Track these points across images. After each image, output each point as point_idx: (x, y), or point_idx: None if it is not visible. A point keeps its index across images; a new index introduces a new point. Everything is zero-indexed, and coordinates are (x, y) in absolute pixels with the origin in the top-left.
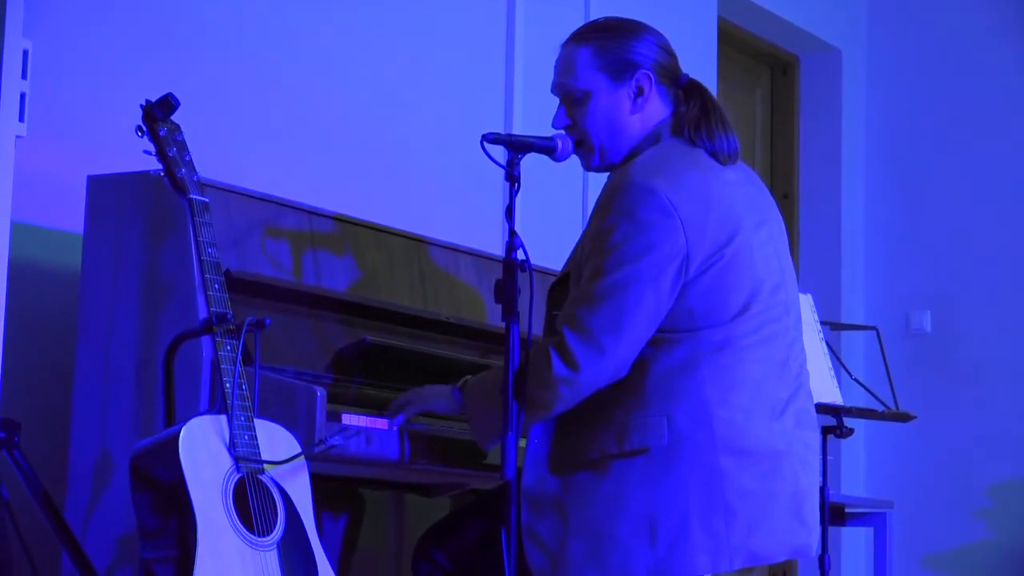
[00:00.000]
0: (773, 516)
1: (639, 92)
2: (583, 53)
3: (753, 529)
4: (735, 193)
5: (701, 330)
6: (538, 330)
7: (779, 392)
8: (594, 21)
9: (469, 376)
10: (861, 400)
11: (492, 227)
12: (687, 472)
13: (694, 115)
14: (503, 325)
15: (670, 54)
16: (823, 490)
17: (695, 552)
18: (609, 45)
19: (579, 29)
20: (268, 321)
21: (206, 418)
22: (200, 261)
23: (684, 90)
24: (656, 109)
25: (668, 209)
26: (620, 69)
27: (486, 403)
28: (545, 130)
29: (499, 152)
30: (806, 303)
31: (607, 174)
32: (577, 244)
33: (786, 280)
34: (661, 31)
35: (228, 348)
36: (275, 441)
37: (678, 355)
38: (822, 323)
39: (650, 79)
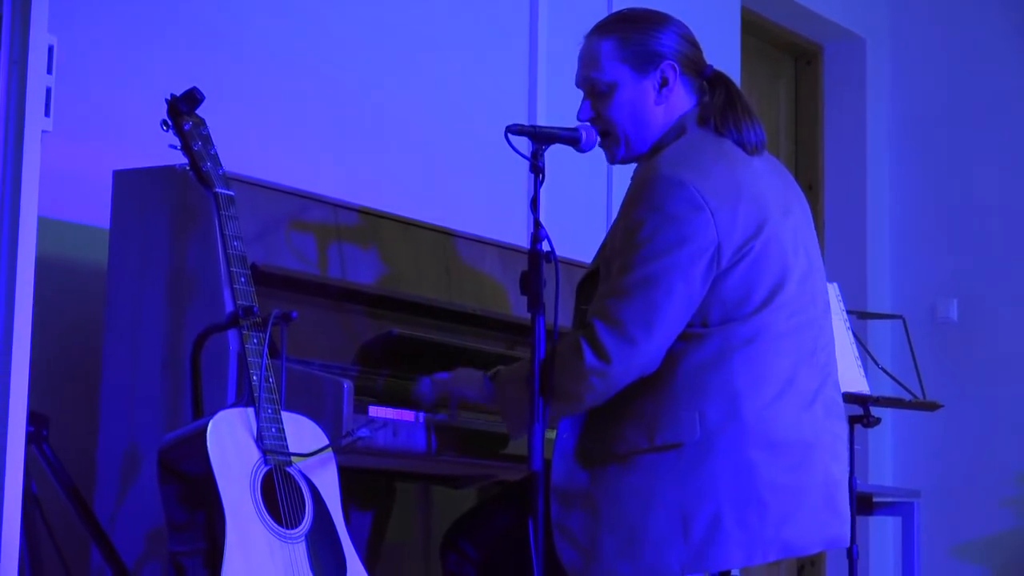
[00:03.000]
0: (805, 507)
1: (664, 83)
2: (607, 45)
3: (786, 521)
4: (763, 182)
5: (732, 323)
6: (564, 322)
7: (808, 383)
8: (618, 12)
9: (501, 366)
10: (888, 389)
11: (517, 219)
12: (719, 466)
13: (719, 106)
14: (529, 317)
15: (694, 45)
16: (851, 480)
17: (729, 545)
18: (633, 36)
19: (602, 21)
20: (295, 314)
21: (234, 411)
22: (226, 255)
23: (709, 81)
24: (681, 100)
25: (698, 202)
26: (644, 60)
27: (517, 393)
28: (569, 121)
29: (524, 143)
30: (832, 292)
31: (633, 165)
32: (605, 239)
33: (813, 269)
34: (684, 21)
35: (255, 341)
36: (302, 434)
37: (709, 349)
38: (848, 312)
39: (675, 70)
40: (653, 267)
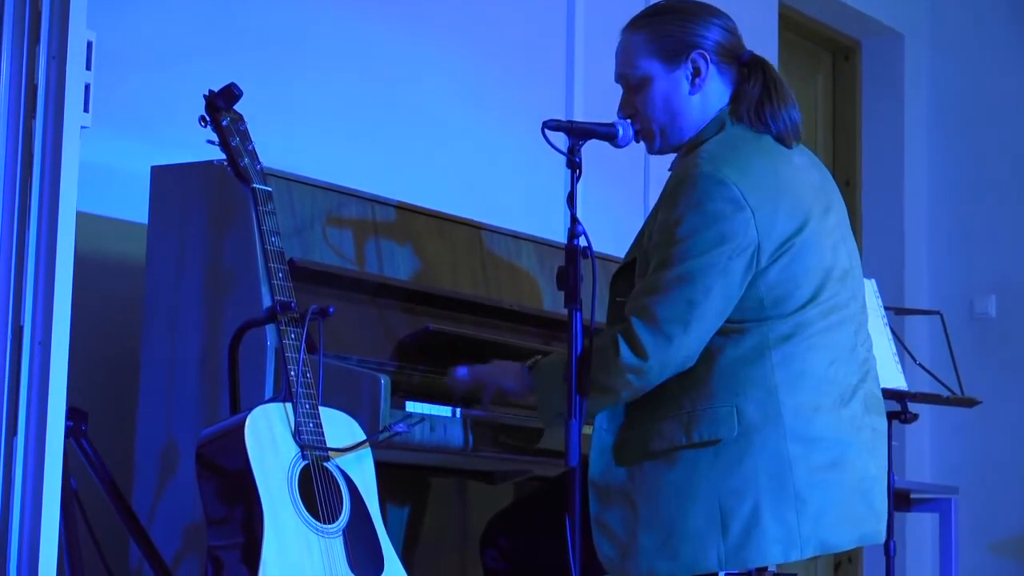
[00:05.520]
0: (843, 504)
1: (696, 73)
2: (638, 39)
3: (823, 517)
4: (803, 179)
5: (770, 320)
6: (601, 317)
7: (847, 378)
8: (652, 5)
9: (540, 356)
10: (926, 385)
11: (554, 214)
12: (757, 462)
13: (755, 96)
14: (565, 312)
15: (730, 32)
16: (888, 476)
17: (767, 542)
18: (664, 29)
19: (637, 15)
20: (332, 309)
21: (271, 406)
22: (264, 250)
23: (747, 66)
24: (716, 90)
25: (739, 200)
26: (674, 52)
27: (555, 383)
28: (606, 116)
29: (560, 139)
30: (870, 288)
31: (671, 158)
32: (641, 231)
33: (853, 266)
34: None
35: (292, 336)
36: (339, 428)
37: (747, 345)
38: (886, 308)
39: (706, 59)
40: (691, 265)
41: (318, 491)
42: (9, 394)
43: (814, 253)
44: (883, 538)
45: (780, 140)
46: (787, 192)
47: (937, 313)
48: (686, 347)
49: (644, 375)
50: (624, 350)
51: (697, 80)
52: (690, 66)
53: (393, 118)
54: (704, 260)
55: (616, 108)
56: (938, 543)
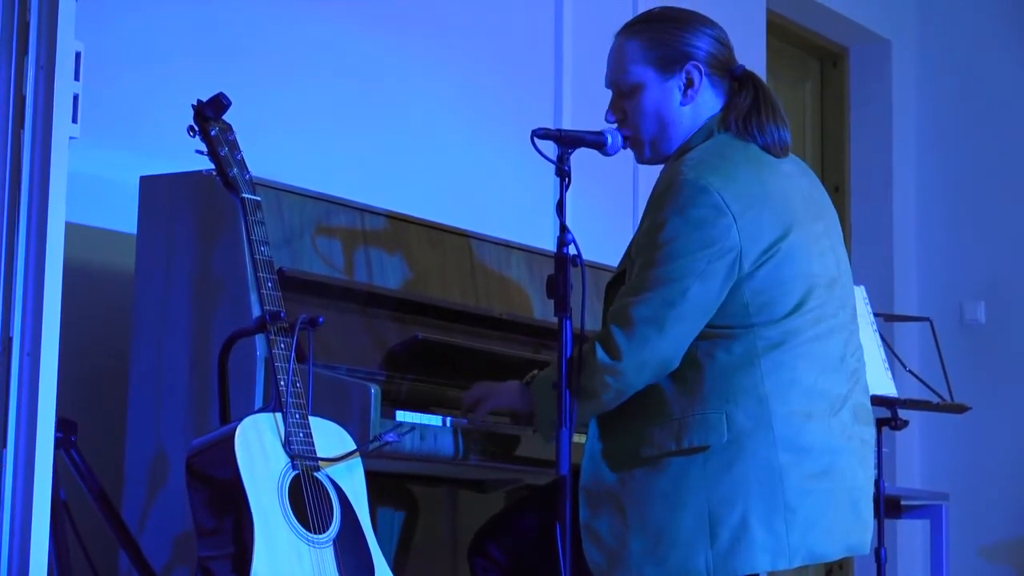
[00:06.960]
0: (831, 513)
1: (689, 84)
2: (632, 46)
3: (812, 527)
4: (791, 186)
5: (757, 326)
6: (592, 325)
7: (837, 388)
8: (646, 12)
9: (536, 371)
10: (915, 392)
11: (543, 223)
12: (747, 470)
13: (745, 108)
14: (555, 320)
15: (723, 44)
16: (878, 483)
17: (756, 550)
18: (659, 37)
19: (630, 21)
20: (321, 319)
21: (261, 416)
22: (253, 259)
23: (739, 80)
24: (707, 101)
25: (721, 206)
26: (669, 61)
27: (552, 396)
28: (595, 125)
29: (549, 147)
30: (859, 295)
31: (659, 166)
32: (632, 241)
33: (842, 274)
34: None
35: (282, 346)
36: (329, 438)
37: (736, 352)
38: (875, 315)
39: (699, 71)
40: (670, 269)
41: (308, 501)
42: None
43: (800, 260)
44: (868, 549)
45: (767, 150)
46: (772, 199)
47: (927, 319)
48: (662, 349)
49: (620, 376)
50: (600, 351)
51: (690, 91)
52: (684, 76)
53: (382, 127)
54: (683, 263)
55: (604, 116)
56: (929, 549)
